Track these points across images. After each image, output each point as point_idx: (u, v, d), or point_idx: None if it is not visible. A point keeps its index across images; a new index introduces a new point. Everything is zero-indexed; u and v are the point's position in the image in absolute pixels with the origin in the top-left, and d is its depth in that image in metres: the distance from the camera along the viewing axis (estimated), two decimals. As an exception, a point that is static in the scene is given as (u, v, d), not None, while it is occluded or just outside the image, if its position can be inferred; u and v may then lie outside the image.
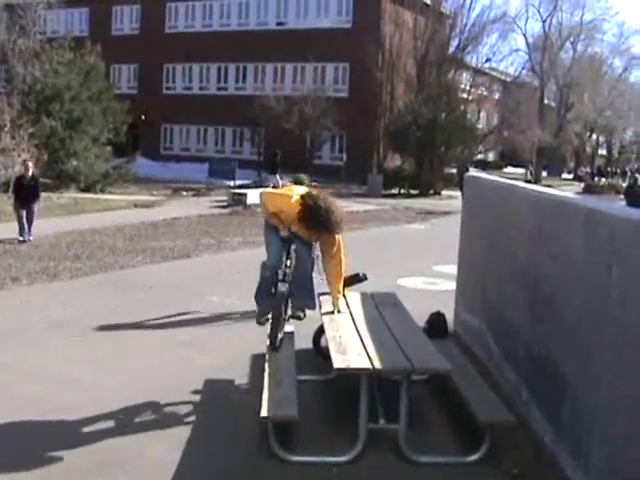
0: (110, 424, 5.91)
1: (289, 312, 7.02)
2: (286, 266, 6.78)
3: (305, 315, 7.01)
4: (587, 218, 5.02)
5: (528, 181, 48.66)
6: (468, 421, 5.71)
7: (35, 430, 5.72)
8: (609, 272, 4.50)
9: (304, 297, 6.93)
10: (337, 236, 6.67)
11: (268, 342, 6.89)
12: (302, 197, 6.54)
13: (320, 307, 7.05)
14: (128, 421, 5.98)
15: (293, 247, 6.85)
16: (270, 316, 6.79)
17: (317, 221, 6.42)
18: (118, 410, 6.17)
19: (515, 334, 6.53)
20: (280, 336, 6.73)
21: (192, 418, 6.13)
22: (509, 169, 64.15)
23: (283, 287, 6.71)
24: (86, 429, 5.78)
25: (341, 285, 6.89)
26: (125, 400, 6.38)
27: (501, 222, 7.33)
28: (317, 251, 7.09)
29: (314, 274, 7.12)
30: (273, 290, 6.82)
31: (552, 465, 5.21)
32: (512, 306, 6.72)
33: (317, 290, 7.20)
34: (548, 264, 5.75)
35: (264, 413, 5.36)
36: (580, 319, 4.96)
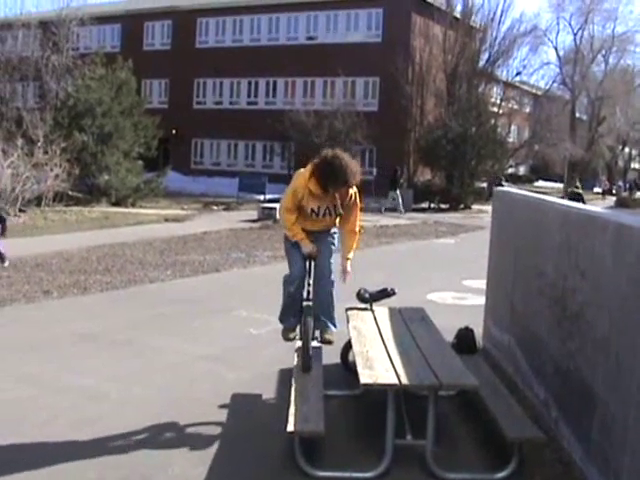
0: (136, 438, 5.91)
1: (317, 334, 6.94)
2: (309, 284, 6.76)
3: (333, 340, 6.95)
4: (617, 232, 4.97)
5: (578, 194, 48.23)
6: (496, 437, 5.66)
7: (61, 442, 5.74)
8: (639, 287, 4.44)
9: (326, 316, 6.87)
10: (352, 192, 6.62)
11: (296, 359, 6.90)
12: (313, 163, 6.52)
13: (348, 321, 7.03)
14: (154, 435, 5.99)
15: (314, 263, 6.77)
16: (298, 335, 6.78)
17: (330, 173, 6.33)
18: (144, 424, 6.17)
19: (544, 349, 6.47)
20: (311, 354, 6.69)
21: (219, 433, 6.12)
22: (540, 183, 63.82)
23: (309, 305, 6.71)
24: (111, 442, 5.79)
25: (353, 248, 6.87)
26: (151, 414, 6.40)
27: (530, 237, 7.27)
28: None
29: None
30: (299, 306, 6.81)
31: (582, 483, 5.14)
32: (541, 321, 6.66)
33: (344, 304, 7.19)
34: (577, 279, 5.69)
35: (290, 428, 5.35)
36: (609, 334, 4.91)
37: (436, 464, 5.31)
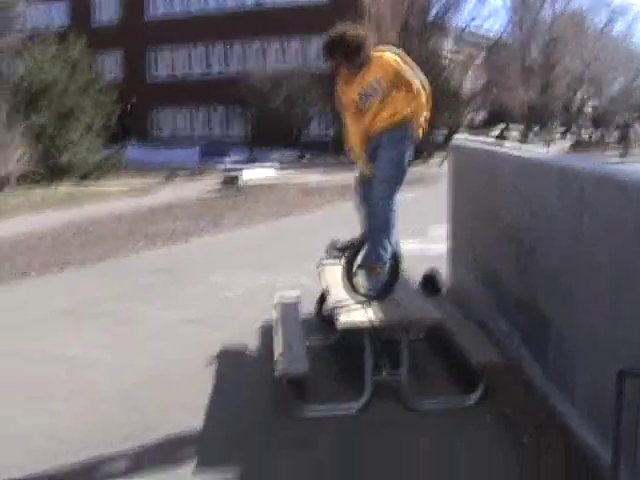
0: (133, 398, 6.31)
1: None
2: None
3: (379, 269, 6.23)
4: (560, 175, 5.50)
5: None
6: (465, 369, 6.16)
7: (50, 410, 6.11)
8: (581, 221, 4.95)
9: (369, 244, 6.26)
10: (387, 61, 6.26)
11: (274, 314, 7.38)
12: None
13: (320, 277, 7.41)
14: (148, 395, 6.37)
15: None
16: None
17: (332, 45, 6.20)
18: (139, 385, 6.59)
19: (504, 285, 6.97)
20: (352, 284, 6.26)
21: (212, 385, 6.51)
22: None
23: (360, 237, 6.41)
24: (107, 404, 6.21)
25: (417, 110, 6.23)
26: (144, 377, 6.79)
27: (485, 184, 7.74)
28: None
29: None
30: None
31: (543, 400, 5.65)
32: (500, 260, 7.15)
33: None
34: (528, 219, 6.20)
35: (277, 372, 5.83)
36: (559, 266, 5.43)
37: (411, 396, 5.82)
